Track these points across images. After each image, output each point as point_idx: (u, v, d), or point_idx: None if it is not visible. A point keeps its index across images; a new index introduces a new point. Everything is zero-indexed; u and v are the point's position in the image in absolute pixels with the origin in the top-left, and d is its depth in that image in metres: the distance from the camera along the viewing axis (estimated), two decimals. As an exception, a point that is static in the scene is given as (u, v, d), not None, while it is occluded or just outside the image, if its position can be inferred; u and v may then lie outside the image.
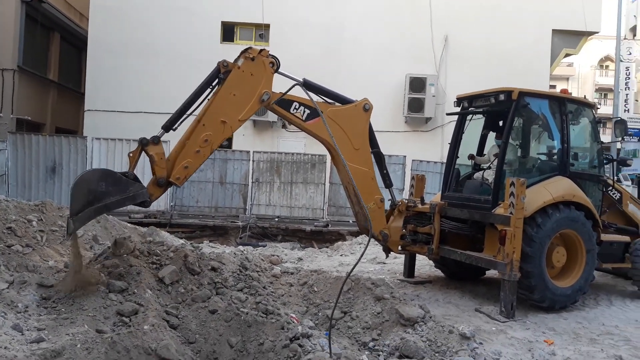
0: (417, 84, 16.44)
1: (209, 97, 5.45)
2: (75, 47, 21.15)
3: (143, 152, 5.14)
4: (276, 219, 14.23)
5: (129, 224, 9.15)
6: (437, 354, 4.71)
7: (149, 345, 4.02)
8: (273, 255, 8.92)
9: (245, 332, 4.60)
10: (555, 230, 6.32)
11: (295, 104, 5.63)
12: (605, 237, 7.03)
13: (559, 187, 6.51)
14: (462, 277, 7.75)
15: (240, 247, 10.61)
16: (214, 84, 5.43)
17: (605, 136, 25.43)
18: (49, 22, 19.08)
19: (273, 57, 5.41)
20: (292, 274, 6.76)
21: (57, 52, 19.88)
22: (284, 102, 5.58)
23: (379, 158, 6.25)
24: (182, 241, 8.94)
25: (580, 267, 6.55)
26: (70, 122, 20.31)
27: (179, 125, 5.28)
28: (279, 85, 5.64)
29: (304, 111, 5.65)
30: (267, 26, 16.80)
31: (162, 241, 6.51)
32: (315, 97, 5.68)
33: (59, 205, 7.71)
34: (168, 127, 5.26)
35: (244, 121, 5.45)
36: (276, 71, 5.47)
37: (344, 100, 6.02)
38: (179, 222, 13.58)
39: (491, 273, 7.84)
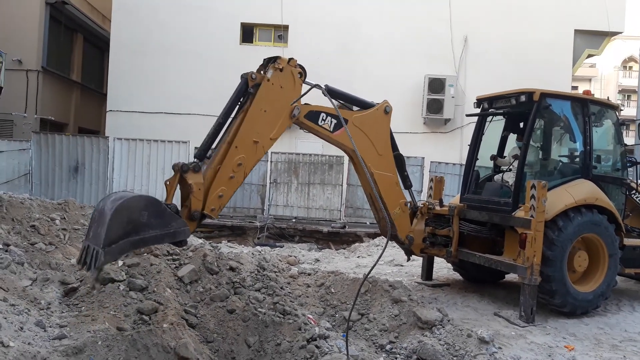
0: (436, 85, 16.32)
1: (234, 114, 5.03)
2: (98, 48, 21.52)
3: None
4: (293, 220, 14.26)
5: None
6: (455, 358, 4.67)
7: (168, 343, 4.07)
8: (290, 256, 8.95)
9: (263, 332, 4.63)
10: (577, 234, 6.22)
11: (322, 114, 5.36)
12: (628, 241, 6.89)
13: (581, 190, 6.40)
14: (481, 281, 7.67)
15: (258, 248, 10.67)
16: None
17: (629, 138, 24.92)
18: (72, 24, 19.43)
19: (301, 66, 5.11)
20: (309, 275, 6.78)
21: (80, 53, 20.24)
22: (312, 114, 5.31)
23: (400, 161, 6.17)
24: (200, 241, 9.02)
25: (603, 272, 6.43)
26: (93, 122, 20.66)
27: (213, 152, 4.78)
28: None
29: (331, 122, 5.39)
30: (286, 27, 16.86)
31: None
32: (336, 103, 5.42)
33: (81, 204, 7.86)
34: (202, 155, 4.70)
35: (275, 139, 5.03)
36: (304, 81, 5.18)
37: (364, 104, 5.87)
38: (198, 221, 13.66)
39: (511, 277, 7.74)
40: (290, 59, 5.00)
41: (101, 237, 3.87)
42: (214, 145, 4.89)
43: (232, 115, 4.98)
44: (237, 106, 4.92)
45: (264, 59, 5.06)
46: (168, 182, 4.45)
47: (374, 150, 5.76)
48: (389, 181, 5.93)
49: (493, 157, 7.40)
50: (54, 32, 18.25)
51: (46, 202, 7.23)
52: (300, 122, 5.22)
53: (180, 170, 4.42)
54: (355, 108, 5.94)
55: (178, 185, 4.54)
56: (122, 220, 3.94)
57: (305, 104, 5.20)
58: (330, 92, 5.45)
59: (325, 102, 5.36)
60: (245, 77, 4.83)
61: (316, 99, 5.42)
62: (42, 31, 17.39)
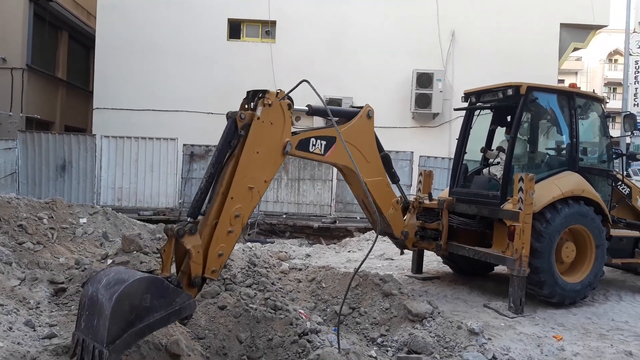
0: (424, 80, 16.37)
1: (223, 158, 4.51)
2: (83, 46, 21.29)
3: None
4: (284, 216, 14.27)
5: (138, 221, 9.22)
6: (445, 350, 4.72)
7: (159, 340, 4.06)
8: (281, 252, 8.95)
9: (255, 327, 4.63)
10: (564, 225, 6.29)
11: (312, 140, 5.13)
12: (614, 232, 6.98)
13: (568, 182, 6.47)
14: (471, 273, 7.74)
15: (249, 244, 10.65)
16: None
17: (615, 131, 25.19)
18: (57, 21, 19.20)
19: (289, 97, 4.75)
20: (300, 270, 6.79)
21: (66, 50, 20.02)
22: (303, 142, 5.02)
23: (387, 160, 6.15)
24: (190, 238, 8.98)
25: (590, 263, 6.51)
26: (79, 120, 20.46)
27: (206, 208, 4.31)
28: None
29: (321, 144, 5.19)
30: (274, 23, 16.80)
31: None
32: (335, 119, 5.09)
33: (69, 202, 7.78)
34: (196, 213, 4.21)
35: (269, 182, 4.67)
36: (292, 112, 4.80)
37: (347, 113, 5.72)
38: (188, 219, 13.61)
39: (500, 269, 7.82)
40: (278, 91, 4.64)
41: (103, 334, 3.38)
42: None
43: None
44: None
45: (248, 92, 4.69)
46: (164, 250, 3.97)
47: (363, 159, 5.65)
48: (380, 185, 5.93)
49: (483, 150, 7.45)
50: (39, 29, 18.02)
51: (33, 201, 7.15)
52: (292, 154, 4.94)
53: (176, 235, 3.92)
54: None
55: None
56: (123, 310, 3.44)
57: (293, 133, 4.89)
58: (315, 112, 5.27)
59: (308, 98, 5.18)
60: (233, 118, 4.41)
61: (299, 98, 5.16)
62: (26, 29, 17.17)
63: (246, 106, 4.63)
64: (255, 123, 4.45)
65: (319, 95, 4.97)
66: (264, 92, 4.54)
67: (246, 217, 4.42)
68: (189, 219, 4.15)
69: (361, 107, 5.73)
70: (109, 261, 5.54)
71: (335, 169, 14.41)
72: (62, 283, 5.28)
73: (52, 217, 6.96)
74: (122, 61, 16.50)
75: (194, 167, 14.21)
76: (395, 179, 6.33)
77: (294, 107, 4.80)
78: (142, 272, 3.94)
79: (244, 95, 4.70)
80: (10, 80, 16.82)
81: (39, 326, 4.28)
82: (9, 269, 5.19)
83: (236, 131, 4.40)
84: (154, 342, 4.04)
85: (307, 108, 5.12)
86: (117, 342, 3.41)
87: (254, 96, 4.62)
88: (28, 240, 6.23)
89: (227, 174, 4.35)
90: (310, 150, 5.10)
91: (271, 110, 4.54)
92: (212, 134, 17.29)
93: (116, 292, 3.40)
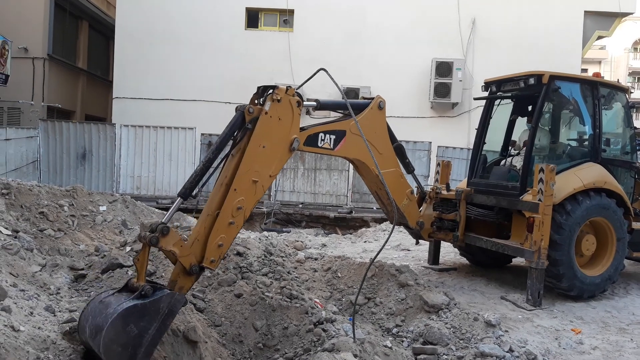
0: (444, 69, 16.16)
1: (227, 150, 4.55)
2: (103, 36, 21.49)
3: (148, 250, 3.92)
4: (300, 205, 14.29)
5: (156, 209, 9.33)
6: (461, 341, 4.69)
7: (177, 327, 4.11)
8: (297, 241, 8.97)
9: (270, 316, 4.66)
10: (585, 217, 6.18)
11: (320, 135, 5.07)
12: (636, 225, 6.84)
13: (590, 174, 6.35)
14: (488, 265, 7.66)
15: (265, 233, 10.71)
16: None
17: (639, 121, 24.62)
18: (78, 11, 19.39)
19: (298, 94, 4.66)
20: (316, 259, 6.80)
21: (86, 40, 20.23)
22: (312, 138, 4.96)
23: (400, 151, 6.09)
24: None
25: (610, 256, 6.40)
26: (99, 109, 20.71)
27: (200, 190, 4.28)
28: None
29: (330, 139, 5.13)
30: (291, 12, 16.72)
31: (188, 226, 6.61)
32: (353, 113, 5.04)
33: (89, 190, 7.90)
34: (187, 194, 4.12)
35: (274, 177, 4.63)
36: (301, 109, 4.72)
37: (358, 105, 5.62)
38: (205, 207, 13.74)
39: (518, 261, 7.73)
40: (288, 88, 4.59)
41: None
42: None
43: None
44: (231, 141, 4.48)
45: (258, 87, 4.65)
46: (137, 259, 3.82)
47: (376, 151, 5.54)
48: (393, 176, 5.87)
49: (512, 143, 7.35)
50: (59, 19, 18.22)
51: (54, 189, 7.26)
52: (301, 150, 4.89)
53: (149, 243, 3.78)
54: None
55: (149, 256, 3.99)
56: (117, 352, 3.45)
57: (300, 129, 4.83)
58: (323, 106, 5.18)
59: (326, 87, 5.13)
60: (241, 111, 4.39)
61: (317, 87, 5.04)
62: (47, 19, 17.37)
63: (256, 101, 4.59)
64: (262, 117, 4.41)
65: (336, 84, 4.94)
66: (274, 87, 4.51)
67: (249, 210, 4.36)
68: (178, 197, 4.10)
69: (372, 99, 5.64)
70: (128, 248, 5.61)
71: (352, 159, 14.39)
72: (82, 269, 5.37)
73: (72, 204, 7.06)
74: (141, 51, 16.62)
75: (212, 156, 14.28)
76: (409, 168, 6.27)
77: (305, 103, 4.74)
78: (116, 292, 3.84)
79: (262, 85, 4.69)
80: (31, 69, 17.07)
81: (59, 311, 4.36)
82: (30, 255, 5.29)
83: (243, 124, 4.38)
84: (171, 327, 4.09)
85: (315, 103, 5.04)
86: None
87: (264, 91, 4.58)
88: (49, 227, 6.34)
89: (232, 166, 4.34)
90: (319, 145, 5.05)
91: (280, 106, 4.49)
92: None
93: (100, 345, 3.41)
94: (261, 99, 4.56)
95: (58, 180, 13.57)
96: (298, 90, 4.65)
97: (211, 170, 4.29)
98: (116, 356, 3.45)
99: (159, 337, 3.69)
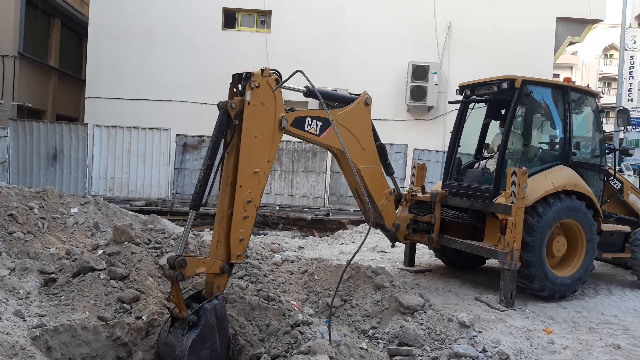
0: (420, 72, 16.35)
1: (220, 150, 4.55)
2: (76, 34, 21.06)
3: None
4: (277, 208, 14.25)
5: (130, 212, 9.16)
6: (436, 342, 4.73)
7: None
8: (274, 244, 8.94)
9: (250, 314, 4.64)
10: (556, 219, 6.32)
11: (307, 119, 5.14)
12: (605, 227, 7.03)
13: (561, 177, 6.49)
14: (462, 266, 7.77)
15: (241, 235, 10.62)
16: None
17: (608, 126, 25.31)
18: (50, 8, 18.96)
19: (275, 72, 4.66)
20: (292, 262, 6.78)
21: (58, 38, 19.79)
22: (299, 120, 5.04)
23: (382, 150, 6.13)
24: (182, 229, 8.95)
25: (580, 257, 6.56)
26: (71, 109, 20.28)
27: (207, 199, 4.39)
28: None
29: (317, 125, 5.19)
30: (269, 12, 16.68)
31: (163, 229, 6.52)
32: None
33: (60, 192, 7.71)
34: (198, 205, 4.29)
35: (273, 160, 4.70)
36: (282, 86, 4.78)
37: (345, 99, 5.71)
38: (180, 210, 13.59)
39: (491, 262, 7.86)
40: (263, 70, 4.57)
41: None
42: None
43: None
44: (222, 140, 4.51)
45: (233, 75, 4.65)
46: (173, 296, 4.05)
47: (359, 145, 5.66)
48: (374, 174, 5.91)
49: (485, 146, 7.46)
50: (31, 16, 17.79)
51: (24, 191, 7.06)
52: (287, 132, 4.94)
53: (177, 280, 4.02)
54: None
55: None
56: None
57: (288, 110, 4.91)
58: (312, 94, 5.17)
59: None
60: (224, 108, 4.38)
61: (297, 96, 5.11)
62: (18, 16, 16.95)
63: (234, 89, 4.63)
64: (247, 109, 4.44)
65: (312, 86, 4.94)
66: (249, 74, 4.51)
67: (258, 200, 4.54)
68: (191, 210, 4.27)
69: (359, 95, 5.71)
70: (100, 251, 5.50)
71: (329, 161, 14.41)
72: (53, 273, 5.24)
73: (42, 206, 6.88)
74: (115, 50, 16.35)
75: (187, 157, 14.14)
76: (389, 170, 6.32)
77: (292, 86, 4.82)
78: (169, 328, 4.14)
79: (236, 73, 4.69)
80: (1, 67, 16.63)
81: (29, 316, 4.24)
82: (-1, 259, 5.14)
83: (229, 121, 4.40)
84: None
85: (304, 89, 5.07)
86: None
87: (240, 79, 4.59)
88: (18, 229, 6.16)
89: (231, 165, 4.43)
90: (306, 129, 5.11)
91: (260, 91, 4.52)
92: (205, 124, 17.20)
93: None
94: (239, 86, 4.59)
95: (28, 182, 13.22)
96: (275, 68, 4.67)
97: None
98: None
99: (227, 339, 4.16)
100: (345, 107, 5.57)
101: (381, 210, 6.13)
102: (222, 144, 4.47)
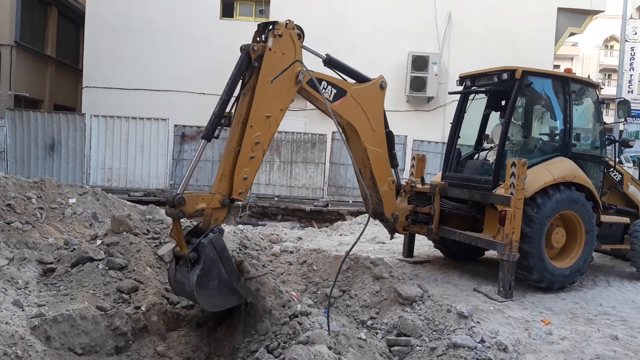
0: (420, 63, 16.27)
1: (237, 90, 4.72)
2: (73, 23, 20.89)
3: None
4: (276, 199, 14.24)
5: (128, 202, 9.14)
6: (434, 332, 4.74)
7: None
8: (273, 234, 8.93)
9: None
10: (555, 211, 6.31)
11: (324, 83, 5.23)
12: (605, 218, 7.02)
13: (560, 168, 6.47)
14: (461, 257, 7.77)
15: (240, 226, 10.62)
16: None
17: (609, 117, 25.29)
18: (46, -3, 18.82)
19: (298, 27, 4.86)
20: (291, 252, 6.78)
21: (55, 27, 19.64)
22: (314, 81, 5.10)
23: (390, 139, 6.11)
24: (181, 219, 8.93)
25: (580, 248, 6.56)
26: (69, 99, 20.18)
27: (220, 132, 4.51)
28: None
29: (332, 91, 5.29)
30: (268, 2, 16.55)
31: (161, 219, 6.50)
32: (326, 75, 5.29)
33: (58, 182, 7.68)
34: (209, 136, 4.45)
35: (285, 110, 4.84)
36: (303, 42, 4.96)
37: (361, 77, 5.75)
38: (179, 200, 13.56)
39: (490, 253, 7.86)
40: (287, 22, 4.78)
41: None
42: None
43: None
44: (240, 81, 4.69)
45: (259, 25, 4.83)
46: (174, 233, 4.24)
47: (369, 125, 5.69)
48: (379, 158, 5.91)
49: (485, 137, 7.43)
50: (27, 5, 17.64)
51: (22, 181, 7.03)
52: (302, 89, 5.04)
53: (177, 217, 4.20)
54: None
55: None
56: (222, 301, 4.33)
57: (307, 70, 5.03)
58: (331, 62, 5.36)
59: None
60: (246, 50, 4.60)
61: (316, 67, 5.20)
62: (14, 5, 16.81)
63: (258, 39, 4.78)
64: (267, 54, 4.62)
65: (312, 76, 4.94)
66: (274, 23, 4.70)
67: (266, 144, 4.67)
68: (203, 139, 4.44)
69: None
70: (98, 242, 5.49)
71: (328, 152, 14.38)
72: (51, 263, 5.23)
73: (40, 196, 6.86)
74: (112, 39, 16.23)
75: (185, 148, 14.09)
76: (394, 162, 6.28)
77: (313, 50, 5.00)
78: (175, 265, 4.34)
79: (262, 22, 4.85)
80: (-2, 57, 16.52)
81: (27, 306, 4.24)
82: (-3, 249, 5.12)
83: (249, 63, 4.60)
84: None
85: (325, 56, 5.22)
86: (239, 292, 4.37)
87: (265, 28, 4.76)
88: (16, 219, 6.14)
89: (245, 104, 4.57)
90: (321, 91, 5.18)
91: (282, 41, 4.72)
92: (203, 114, 17.11)
93: (209, 308, 4.37)
94: (263, 37, 4.76)
95: (26, 172, 13.18)
96: (299, 25, 4.87)
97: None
98: (223, 303, 4.31)
99: (232, 265, 4.35)
100: (362, 84, 5.64)
101: (382, 196, 6.11)
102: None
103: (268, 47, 4.63)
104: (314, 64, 5.15)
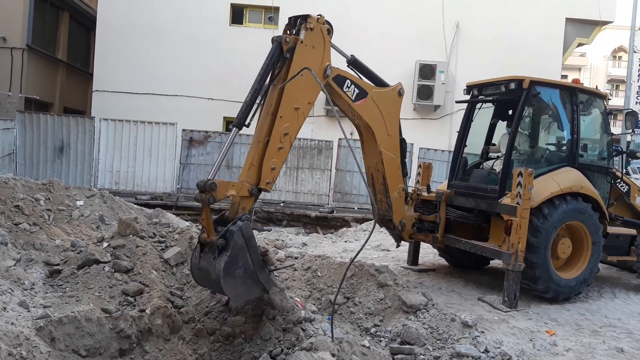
0: (427, 71, 16.29)
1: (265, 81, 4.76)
2: (84, 27, 21.12)
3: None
4: (281, 204, 14.25)
5: (135, 205, 9.20)
6: (438, 341, 4.73)
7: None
8: (277, 240, 8.95)
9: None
10: (561, 221, 6.29)
11: (347, 81, 5.32)
12: (611, 229, 6.98)
13: (567, 178, 6.46)
14: (466, 266, 7.75)
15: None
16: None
17: (616, 128, 25.14)
18: (58, 1, 19.03)
19: (328, 23, 4.97)
20: (296, 258, 6.79)
21: (66, 31, 19.86)
22: (340, 78, 5.21)
23: (403, 146, 6.14)
24: (187, 223, 8.98)
25: (586, 259, 6.52)
26: (79, 102, 20.36)
27: (251, 120, 4.56)
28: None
29: (354, 91, 5.37)
30: (277, 9, 16.66)
31: (167, 223, 6.54)
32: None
33: (66, 184, 7.75)
34: (241, 123, 4.49)
35: (312, 104, 4.90)
36: (331, 38, 5.05)
37: (380, 82, 5.81)
38: (185, 204, 13.64)
39: (495, 263, 7.83)
40: (319, 16, 4.88)
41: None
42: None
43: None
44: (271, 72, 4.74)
45: (290, 18, 4.91)
46: (203, 219, 4.21)
47: (385, 129, 5.74)
48: (393, 163, 5.95)
49: (488, 148, 7.43)
50: (40, 9, 17.86)
51: (30, 182, 7.10)
52: (327, 84, 5.10)
53: (208, 203, 4.17)
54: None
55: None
56: (246, 292, 4.30)
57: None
58: (355, 63, 5.46)
59: None
60: (278, 41, 4.68)
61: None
62: (27, 8, 17.02)
63: (288, 32, 4.86)
64: (299, 46, 4.72)
65: (320, 83, 4.95)
66: (306, 16, 4.80)
67: (293, 136, 4.74)
68: (234, 127, 4.47)
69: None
70: (105, 244, 5.52)
71: (334, 159, 14.40)
72: (58, 265, 5.27)
73: (49, 198, 6.92)
74: (122, 44, 16.38)
75: (193, 152, 14.17)
76: (404, 170, 6.30)
77: (339, 48, 5.11)
78: (199, 253, 4.33)
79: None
80: (10, 60, 16.71)
81: (33, 307, 4.27)
82: (5, 250, 5.17)
83: (281, 54, 4.66)
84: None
85: (349, 56, 5.33)
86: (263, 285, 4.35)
87: (295, 22, 4.86)
88: (24, 221, 6.20)
89: (275, 95, 4.65)
90: (344, 89, 5.27)
91: (313, 34, 4.82)
92: (211, 119, 17.31)
93: (233, 299, 4.40)
94: (293, 30, 4.84)
95: (34, 174, 13.29)
96: (328, 21, 4.98)
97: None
98: (247, 293, 4.29)
99: (257, 254, 4.31)
100: (382, 88, 5.71)
101: (392, 202, 6.12)
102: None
103: (300, 39, 4.72)
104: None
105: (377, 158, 5.80)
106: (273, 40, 4.73)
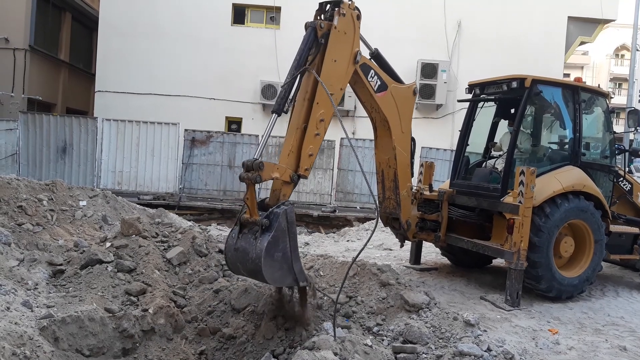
0: (429, 70, 16.28)
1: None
2: (87, 28, 21.17)
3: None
4: (284, 203, 14.23)
5: (138, 205, 9.23)
6: (440, 340, 4.73)
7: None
8: (280, 239, 8.93)
9: (258, 301, 4.67)
10: (564, 220, 6.28)
11: (372, 71, 5.35)
12: (614, 228, 6.97)
13: (569, 177, 6.44)
14: (469, 265, 7.74)
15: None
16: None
17: (618, 126, 25.11)
18: (60, 2, 19.08)
19: (357, 9, 4.97)
20: (298, 258, 6.78)
21: (69, 32, 19.91)
22: (366, 67, 5.22)
23: (412, 146, 6.16)
24: (190, 223, 9.00)
25: (588, 258, 6.51)
26: (81, 102, 20.41)
27: (289, 107, 4.57)
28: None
29: (377, 82, 5.39)
30: (278, 9, 16.67)
31: (170, 223, 6.56)
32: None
33: (69, 185, 7.78)
34: (280, 109, 4.47)
35: (343, 91, 4.98)
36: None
37: (398, 80, 5.83)
38: (188, 204, 13.68)
39: (497, 262, 7.83)
40: (350, 2, 4.87)
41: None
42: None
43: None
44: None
45: (320, 3, 4.90)
46: (247, 198, 4.20)
47: (400, 125, 5.77)
48: (405, 160, 5.97)
49: (493, 144, 7.42)
50: (42, 10, 17.90)
51: (33, 183, 7.13)
52: (354, 71, 5.12)
53: (254, 182, 4.19)
54: None
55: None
56: (280, 277, 4.23)
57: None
58: (378, 57, 5.50)
59: None
60: (312, 27, 4.67)
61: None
62: (29, 9, 17.07)
63: (318, 17, 4.87)
64: (333, 32, 4.73)
65: (322, 84, 4.95)
66: (339, 2, 4.80)
67: (328, 122, 4.71)
68: (274, 113, 4.43)
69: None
70: (108, 244, 5.54)
71: (336, 158, 14.40)
72: (61, 265, 5.29)
73: (51, 199, 6.95)
74: (125, 44, 16.42)
75: (195, 152, 14.19)
76: (411, 170, 6.30)
77: (365, 39, 5.15)
78: (237, 234, 4.30)
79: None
80: (12, 60, 16.75)
81: (37, 307, 4.29)
82: (8, 250, 5.19)
83: (315, 39, 4.67)
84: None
85: (374, 49, 5.41)
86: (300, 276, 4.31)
87: (324, 8, 4.87)
88: (27, 221, 6.23)
89: (311, 81, 4.64)
90: (368, 78, 5.30)
91: (344, 20, 4.84)
92: (213, 119, 17.31)
93: (266, 280, 4.16)
94: (322, 15, 4.86)
95: (37, 174, 13.34)
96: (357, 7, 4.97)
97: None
98: (281, 279, 4.23)
99: (296, 242, 4.31)
100: (400, 84, 5.74)
101: (401, 200, 6.13)
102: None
103: (334, 25, 4.73)
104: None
105: (390, 154, 5.81)
106: (307, 26, 4.73)
